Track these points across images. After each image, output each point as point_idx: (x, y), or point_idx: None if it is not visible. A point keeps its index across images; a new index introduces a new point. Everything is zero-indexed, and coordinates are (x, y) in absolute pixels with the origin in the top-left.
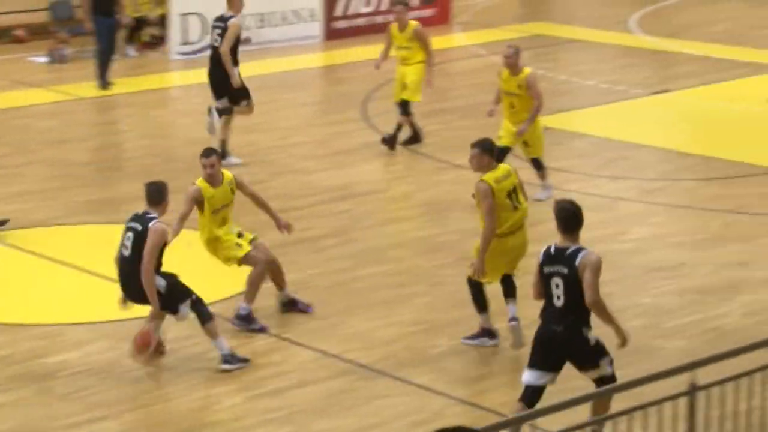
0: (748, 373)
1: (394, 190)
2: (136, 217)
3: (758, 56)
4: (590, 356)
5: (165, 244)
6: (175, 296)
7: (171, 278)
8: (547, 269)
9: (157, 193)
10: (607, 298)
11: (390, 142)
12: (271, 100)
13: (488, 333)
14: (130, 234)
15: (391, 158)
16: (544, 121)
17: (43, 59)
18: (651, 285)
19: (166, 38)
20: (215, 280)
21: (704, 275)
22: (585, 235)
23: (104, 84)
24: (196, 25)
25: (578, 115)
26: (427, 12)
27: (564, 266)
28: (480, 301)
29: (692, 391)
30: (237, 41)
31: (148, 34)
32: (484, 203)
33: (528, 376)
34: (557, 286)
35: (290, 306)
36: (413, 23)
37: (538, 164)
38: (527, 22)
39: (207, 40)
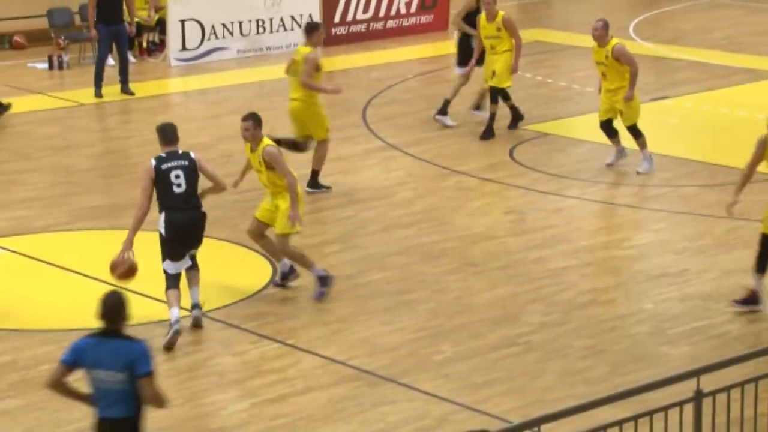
0: (755, 380)
1: (397, 196)
2: (170, 157)
3: (757, 63)
4: None
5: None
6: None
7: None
8: None
9: (175, 132)
10: (610, 304)
11: (487, 133)
12: (271, 106)
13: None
14: (178, 172)
15: (393, 164)
16: (544, 127)
17: (42, 65)
18: (654, 291)
19: (166, 44)
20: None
21: (709, 281)
22: (586, 241)
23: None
24: (195, 32)
25: (578, 122)
26: (426, 18)
27: None
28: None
29: (698, 397)
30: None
31: (147, 40)
32: None
33: None
34: None
35: None
36: (501, 13)
37: (635, 131)
38: (526, 28)
39: (205, 47)
